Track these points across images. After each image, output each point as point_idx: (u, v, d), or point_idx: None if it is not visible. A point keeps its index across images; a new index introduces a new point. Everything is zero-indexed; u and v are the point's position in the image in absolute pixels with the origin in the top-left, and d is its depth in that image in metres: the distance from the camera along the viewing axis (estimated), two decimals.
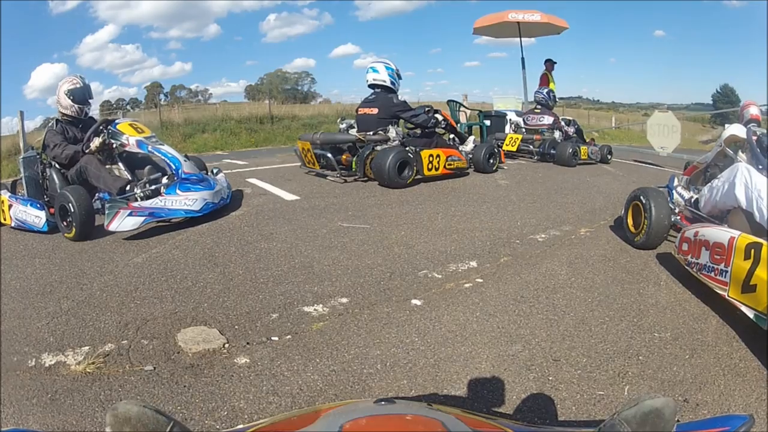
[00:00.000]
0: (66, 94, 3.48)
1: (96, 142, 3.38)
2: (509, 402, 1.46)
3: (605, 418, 0.58)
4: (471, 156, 5.40)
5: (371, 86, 5.07)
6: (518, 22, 10.17)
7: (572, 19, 10.78)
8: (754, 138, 2.56)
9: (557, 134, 6.81)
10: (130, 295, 2.16)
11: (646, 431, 0.55)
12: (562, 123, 7.02)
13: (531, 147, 6.73)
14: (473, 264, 2.52)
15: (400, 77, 5.11)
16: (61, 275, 2.46)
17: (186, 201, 3.22)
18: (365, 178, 4.72)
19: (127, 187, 3.32)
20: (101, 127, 3.46)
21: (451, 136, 5.56)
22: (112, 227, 2.88)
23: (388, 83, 4.98)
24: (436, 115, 5.12)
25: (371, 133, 4.78)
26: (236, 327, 1.89)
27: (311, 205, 3.77)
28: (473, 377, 1.57)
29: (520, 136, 6.85)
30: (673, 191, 3.29)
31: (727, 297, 1.88)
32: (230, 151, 10.56)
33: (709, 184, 2.68)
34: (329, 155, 4.72)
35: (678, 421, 0.58)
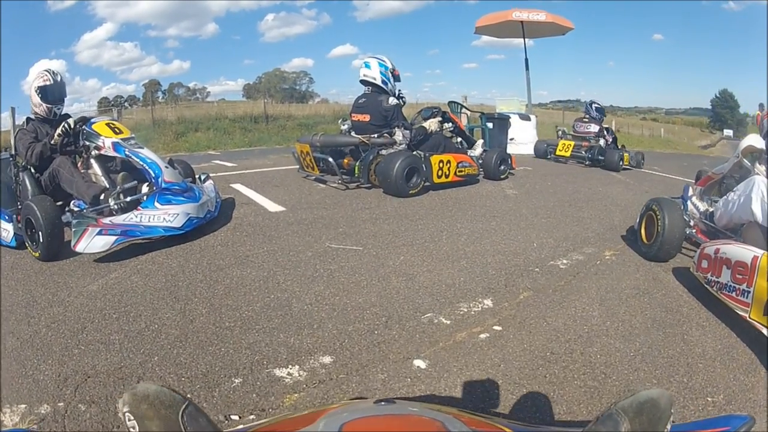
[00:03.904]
0: (36, 92, 3.09)
1: (57, 131, 3.00)
2: None
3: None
4: (481, 161, 5.05)
5: (362, 82, 4.65)
6: (522, 22, 9.81)
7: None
8: None
9: (602, 141, 7.41)
10: (76, 337, 1.80)
11: (642, 420, 0.58)
12: (605, 132, 7.60)
13: (583, 153, 7.35)
14: (488, 303, 2.08)
15: (397, 78, 4.65)
16: (12, 303, 2.11)
17: (166, 216, 2.75)
18: (368, 185, 4.32)
19: (102, 196, 2.89)
20: (77, 126, 3.07)
21: (458, 139, 5.18)
22: (79, 248, 2.44)
23: (378, 81, 4.54)
24: (441, 120, 4.75)
25: (376, 135, 4.38)
26: (188, 396, 1.45)
27: (297, 219, 3.32)
28: None
29: (572, 143, 7.42)
30: (688, 202, 3.15)
31: (748, 318, 1.82)
32: (222, 151, 10.10)
33: (725, 197, 2.61)
34: (330, 159, 4.32)
35: (673, 418, 0.59)
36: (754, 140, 2.73)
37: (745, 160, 2.72)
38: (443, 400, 1.38)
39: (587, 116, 7.76)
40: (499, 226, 3.31)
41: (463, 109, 7.45)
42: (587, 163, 7.23)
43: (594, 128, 7.50)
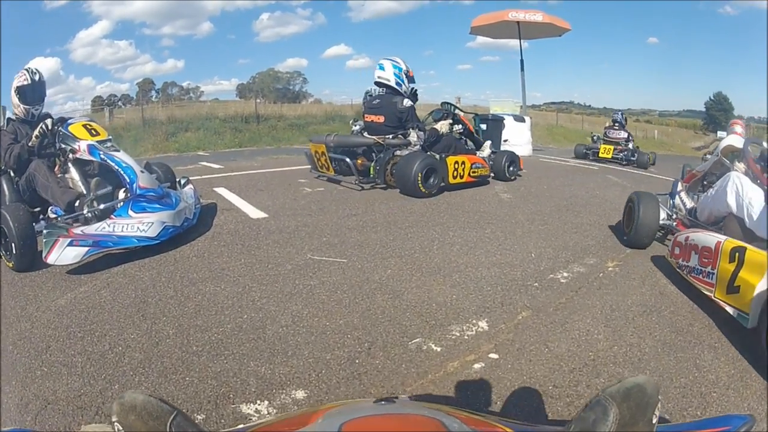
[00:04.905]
0: (15, 92, 2.91)
1: (35, 132, 2.83)
2: None
3: None
4: (491, 163, 5.15)
5: (377, 84, 4.67)
6: (518, 22, 9.67)
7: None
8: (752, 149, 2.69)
9: (631, 145, 8.97)
10: (40, 357, 1.65)
11: (630, 404, 0.57)
12: (630, 137, 9.13)
13: (620, 155, 8.80)
14: (483, 325, 1.88)
15: (411, 79, 4.66)
16: None
17: (140, 225, 2.56)
18: (384, 186, 4.32)
19: (77, 202, 2.71)
20: (54, 126, 2.89)
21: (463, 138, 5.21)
22: (50, 259, 2.26)
23: (392, 83, 4.55)
24: (451, 122, 4.84)
25: (390, 136, 4.37)
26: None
27: (279, 227, 3.12)
28: None
29: (612, 147, 8.87)
30: (675, 197, 3.34)
31: (713, 297, 1.99)
32: (212, 152, 9.85)
33: (705, 193, 2.82)
34: (348, 160, 4.33)
35: (664, 413, 0.60)
36: (733, 140, 3.01)
37: (724, 159, 2.96)
38: (442, 400, 1.34)
39: (617, 124, 9.31)
40: (494, 234, 3.13)
41: (456, 110, 7.30)
42: (624, 163, 8.73)
43: (624, 134, 9.13)
